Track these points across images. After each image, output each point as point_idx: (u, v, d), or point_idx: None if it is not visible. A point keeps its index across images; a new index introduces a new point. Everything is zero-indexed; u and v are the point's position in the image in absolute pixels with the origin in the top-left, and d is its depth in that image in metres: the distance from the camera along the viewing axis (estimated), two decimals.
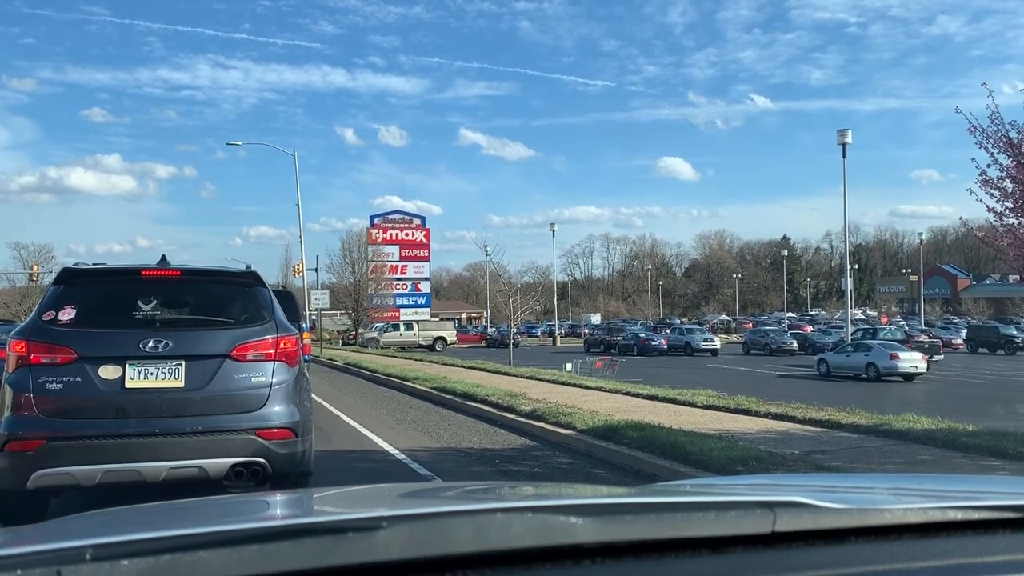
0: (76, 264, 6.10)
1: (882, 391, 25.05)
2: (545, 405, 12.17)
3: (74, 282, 5.82)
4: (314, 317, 47.15)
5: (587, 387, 16.07)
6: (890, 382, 28.96)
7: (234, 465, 5.38)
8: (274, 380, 5.62)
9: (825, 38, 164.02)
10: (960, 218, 11.08)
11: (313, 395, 16.50)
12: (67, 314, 5.51)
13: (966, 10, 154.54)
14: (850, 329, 37.37)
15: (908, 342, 37.18)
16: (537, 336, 72.97)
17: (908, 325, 56.99)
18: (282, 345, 5.75)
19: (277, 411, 5.57)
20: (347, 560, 0.98)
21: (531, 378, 19.20)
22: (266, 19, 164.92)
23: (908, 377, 29.60)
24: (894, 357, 30.14)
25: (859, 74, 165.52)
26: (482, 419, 12.66)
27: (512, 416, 12.02)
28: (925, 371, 30.10)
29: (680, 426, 9.73)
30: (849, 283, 37.10)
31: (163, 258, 6.17)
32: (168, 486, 5.49)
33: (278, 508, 1.76)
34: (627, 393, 14.62)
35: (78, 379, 5.26)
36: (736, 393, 17.14)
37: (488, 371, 22.23)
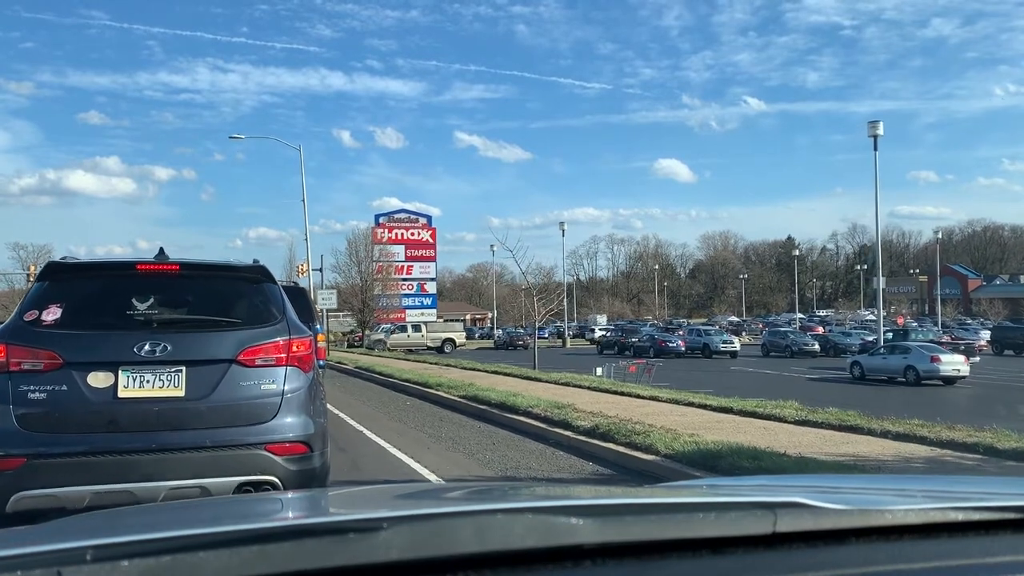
0: (63, 257, 5.42)
1: (937, 397, 23.26)
2: (605, 420, 10.38)
3: (60, 277, 5.20)
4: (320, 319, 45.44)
5: (639, 396, 14.20)
6: (932, 386, 27.23)
7: (241, 484, 4.78)
8: (286, 388, 5.04)
9: (820, 41, 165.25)
10: None
11: (327, 405, 14.85)
12: (52, 314, 4.92)
13: (960, 12, 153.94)
14: (882, 331, 35.68)
15: (943, 344, 35.47)
16: (545, 338, 71.16)
17: (921, 326, 55.29)
18: (295, 348, 5.16)
19: (290, 423, 4.99)
20: (348, 561, 0.97)
21: (567, 384, 17.34)
22: (264, 23, 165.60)
23: (949, 381, 27.86)
24: (935, 360, 28.37)
25: (855, 76, 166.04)
26: (531, 436, 10.86)
27: (569, 434, 10.22)
28: (968, 374, 28.34)
29: (789, 449, 7.95)
30: (881, 282, 35.31)
31: (161, 251, 5.46)
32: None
33: (279, 509, 1.70)
34: (691, 404, 12.73)
35: (64, 388, 4.69)
36: (774, 397, 15.42)
37: (515, 376, 20.39)
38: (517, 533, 1.05)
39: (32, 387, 4.67)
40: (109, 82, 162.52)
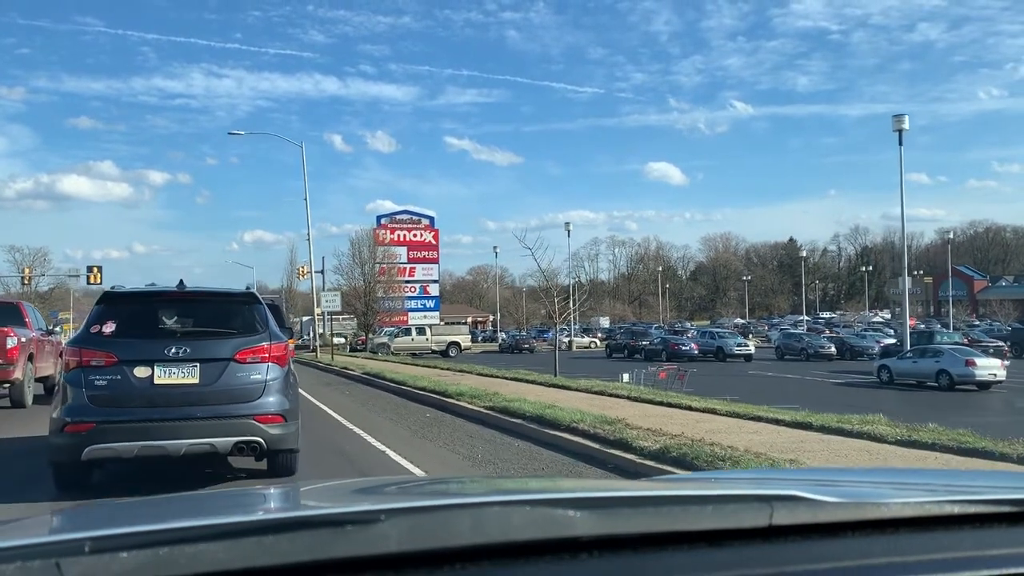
0: (114, 288, 7.75)
1: (989, 404, 21.88)
2: (672, 440, 8.92)
3: (113, 302, 7.30)
4: (319, 321, 43.96)
5: (692, 408, 12.64)
6: (967, 391, 25.81)
7: (237, 443, 6.85)
8: (268, 377, 7.03)
9: (809, 45, 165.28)
10: None
11: (340, 418, 13.46)
12: (109, 327, 6.94)
13: (945, 17, 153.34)
14: (908, 333, 34.28)
15: (972, 347, 34.09)
16: (547, 341, 69.76)
17: (929, 328, 54.02)
18: (274, 350, 7.15)
19: (270, 401, 7.00)
20: (345, 553, 0.98)
21: (601, 393, 15.83)
22: (257, 29, 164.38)
23: (984, 386, 26.44)
24: (970, 364, 26.95)
25: (845, 80, 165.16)
26: (583, 459, 9.38)
27: (632, 457, 8.73)
28: (1004, 379, 26.92)
29: None
30: (908, 282, 34.00)
31: (180, 282, 7.58)
32: (182, 469, 7.21)
33: (277, 501, 1.73)
34: (759, 418, 11.16)
35: (118, 377, 6.71)
36: (810, 404, 14.06)
37: (538, 383, 18.87)
38: (515, 525, 1.05)
39: (98, 377, 6.64)
40: (104, 87, 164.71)
